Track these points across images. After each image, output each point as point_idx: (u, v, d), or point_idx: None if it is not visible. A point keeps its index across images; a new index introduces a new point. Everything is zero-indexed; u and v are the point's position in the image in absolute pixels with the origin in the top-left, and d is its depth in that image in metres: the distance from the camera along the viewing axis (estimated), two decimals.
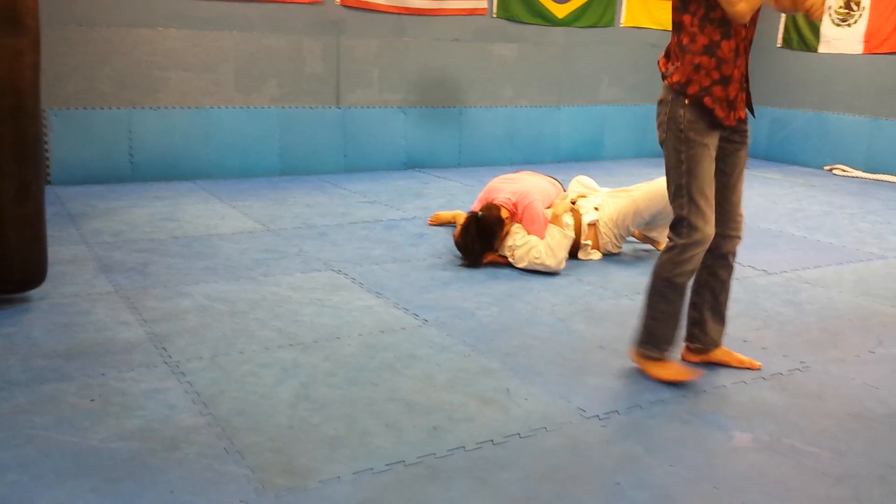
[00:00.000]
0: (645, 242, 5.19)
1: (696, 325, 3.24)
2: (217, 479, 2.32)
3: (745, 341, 3.57)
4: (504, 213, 4.61)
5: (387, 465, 2.43)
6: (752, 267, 4.82)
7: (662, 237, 4.98)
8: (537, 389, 2.99)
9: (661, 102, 3.01)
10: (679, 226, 2.95)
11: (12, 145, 3.51)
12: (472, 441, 2.58)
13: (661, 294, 3.00)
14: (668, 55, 3.07)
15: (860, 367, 3.27)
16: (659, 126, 3.02)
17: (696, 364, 3.23)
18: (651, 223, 4.90)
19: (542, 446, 2.57)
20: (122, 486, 2.27)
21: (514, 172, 5.23)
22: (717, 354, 3.25)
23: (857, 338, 3.66)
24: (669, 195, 3.02)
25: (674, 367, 3.08)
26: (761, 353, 3.44)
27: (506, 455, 2.51)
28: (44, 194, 3.71)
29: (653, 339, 3.05)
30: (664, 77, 3.04)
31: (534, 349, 3.40)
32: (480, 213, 4.62)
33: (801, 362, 3.34)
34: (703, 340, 3.23)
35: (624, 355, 3.35)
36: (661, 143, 3.03)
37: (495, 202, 4.69)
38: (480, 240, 4.56)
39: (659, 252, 4.98)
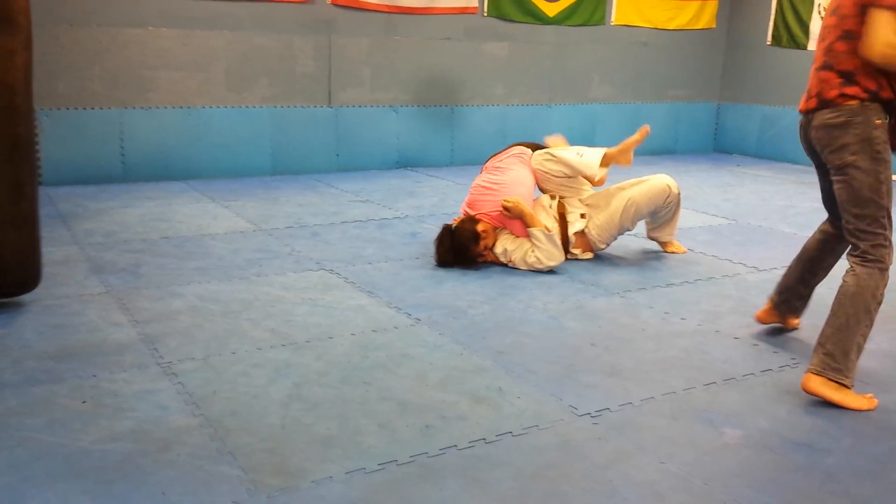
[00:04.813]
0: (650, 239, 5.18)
1: (801, 299, 3.51)
2: (209, 480, 2.32)
3: (736, 338, 3.58)
4: (481, 227, 4.58)
5: (379, 464, 2.43)
6: (743, 264, 4.84)
7: (665, 236, 5.00)
8: (529, 387, 3.00)
9: (841, 125, 2.87)
10: (882, 247, 2.87)
11: (5, 145, 3.48)
12: (464, 440, 2.59)
13: (870, 316, 2.89)
14: (837, 71, 2.90)
15: None
16: (837, 150, 2.89)
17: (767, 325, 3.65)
18: (653, 223, 4.92)
19: (534, 444, 2.58)
20: (113, 487, 2.27)
21: (500, 157, 5.07)
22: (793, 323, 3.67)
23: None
24: (861, 216, 2.87)
25: (859, 395, 2.93)
26: (752, 349, 3.45)
27: (498, 453, 2.51)
28: (38, 195, 3.69)
29: (850, 364, 2.89)
30: (833, 97, 2.89)
31: (526, 347, 3.40)
32: (455, 227, 4.62)
33: (792, 358, 3.36)
34: (799, 312, 3.57)
35: (616, 352, 3.36)
36: (844, 166, 2.88)
37: (476, 216, 4.66)
38: (454, 254, 4.56)
39: (666, 252, 5.00)
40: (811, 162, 3.22)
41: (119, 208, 5.92)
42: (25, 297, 3.80)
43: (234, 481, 2.31)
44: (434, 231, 5.44)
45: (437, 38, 8.21)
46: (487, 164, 5.08)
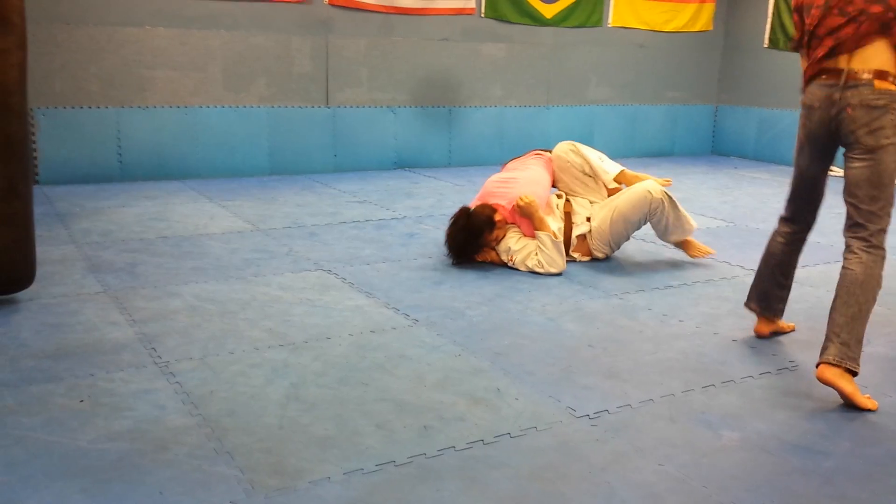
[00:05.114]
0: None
1: (781, 301, 3.54)
2: (207, 480, 2.31)
3: (734, 340, 3.59)
4: (497, 216, 4.60)
5: (377, 465, 2.43)
6: (741, 266, 4.85)
7: (680, 235, 4.80)
8: (527, 389, 3.00)
9: (882, 108, 2.90)
10: (883, 234, 2.94)
11: None
12: (462, 441, 2.59)
13: (875, 301, 2.95)
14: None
15: None
16: (874, 131, 2.91)
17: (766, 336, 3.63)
18: (658, 229, 4.78)
19: (532, 446, 2.58)
20: (111, 487, 2.26)
21: (520, 159, 5.15)
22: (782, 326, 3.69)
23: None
24: (877, 198, 2.92)
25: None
26: (750, 352, 3.46)
27: (496, 455, 2.51)
28: (31, 194, 3.68)
29: (860, 352, 2.93)
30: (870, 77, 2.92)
31: (524, 349, 3.40)
32: (472, 209, 4.63)
33: (791, 361, 3.36)
34: (781, 312, 3.58)
35: (614, 354, 3.36)
36: (877, 148, 2.91)
37: (493, 204, 4.68)
38: (466, 234, 4.55)
39: (690, 257, 4.84)
40: (809, 144, 3.20)
41: (116, 208, 5.91)
42: (22, 296, 3.80)
43: (231, 481, 2.31)
44: (432, 232, 5.45)
45: (434, 39, 8.21)
46: (508, 165, 5.16)
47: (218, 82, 7.24)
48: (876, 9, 2.89)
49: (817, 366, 2.97)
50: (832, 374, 2.92)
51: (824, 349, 2.97)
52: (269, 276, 4.32)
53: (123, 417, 2.67)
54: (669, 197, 4.69)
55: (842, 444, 2.66)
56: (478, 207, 4.64)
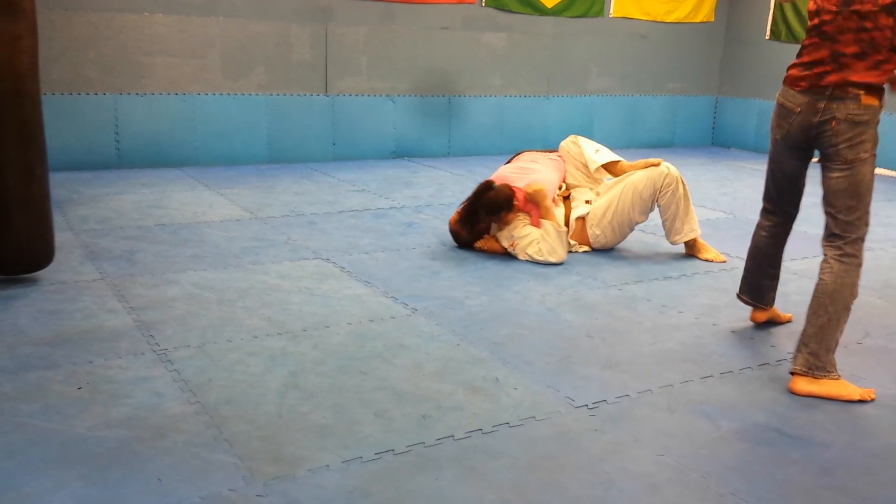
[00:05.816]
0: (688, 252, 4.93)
1: (772, 289, 3.55)
2: (205, 468, 2.31)
3: (733, 331, 3.58)
4: (516, 200, 4.62)
5: (376, 453, 2.42)
6: (740, 258, 4.83)
7: (686, 233, 4.76)
8: (526, 379, 3.00)
9: (865, 123, 2.90)
10: (860, 242, 2.96)
11: (14, 129, 3.53)
12: (461, 430, 2.58)
13: (848, 312, 2.97)
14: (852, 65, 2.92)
15: (847, 358, 3.29)
16: (855, 145, 2.91)
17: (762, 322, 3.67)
18: (667, 216, 4.75)
19: (531, 435, 2.58)
20: (109, 473, 2.25)
21: (535, 154, 5.20)
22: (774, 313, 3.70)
23: (845, 329, 3.66)
24: (854, 208, 2.93)
25: (850, 385, 2.97)
26: (749, 343, 3.46)
27: (495, 444, 2.51)
28: (48, 176, 3.75)
29: (831, 358, 2.96)
30: (848, 88, 2.91)
31: (523, 338, 3.40)
32: (495, 185, 4.66)
33: (789, 353, 3.35)
34: (773, 298, 3.59)
35: (613, 344, 3.36)
36: (856, 161, 2.91)
37: (512, 186, 4.69)
38: (486, 207, 4.59)
39: (702, 260, 4.77)
40: (785, 145, 3.22)
41: (114, 195, 5.89)
42: (20, 283, 3.79)
43: (230, 469, 2.31)
44: (431, 221, 5.44)
45: (435, 28, 8.18)
46: (521, 155, 5.21)
47: (217, 70, 7.21)
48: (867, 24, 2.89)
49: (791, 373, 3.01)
50: (802, 384, 2.96)
51: (794, 359, 3.01)
52: (268, 265, 4.31)
53: (122, 405, 2.66)
54: (684, 184, 4.73)
55: (840, 436, 2.66)
56: (500, 185, 4.67)
